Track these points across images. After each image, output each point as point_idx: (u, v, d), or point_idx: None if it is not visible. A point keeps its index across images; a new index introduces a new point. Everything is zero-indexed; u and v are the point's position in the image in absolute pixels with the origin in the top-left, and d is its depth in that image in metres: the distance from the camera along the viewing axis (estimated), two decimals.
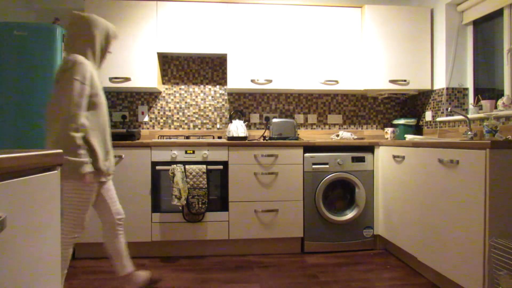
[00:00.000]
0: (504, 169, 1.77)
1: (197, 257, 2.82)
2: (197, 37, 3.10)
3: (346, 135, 3.20)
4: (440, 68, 3.21)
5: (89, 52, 1.89)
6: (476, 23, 3.08)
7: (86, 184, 1.81)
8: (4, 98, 2.61)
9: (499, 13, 2.79)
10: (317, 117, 3.60)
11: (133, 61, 3.05)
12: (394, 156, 2.68)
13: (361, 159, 2.92)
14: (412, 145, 2.44)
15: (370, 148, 3.00)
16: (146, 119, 3.42)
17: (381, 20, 3.23)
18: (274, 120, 3.20)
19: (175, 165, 2.70)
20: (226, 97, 3.50)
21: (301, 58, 3.20)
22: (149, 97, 3.43)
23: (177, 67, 3.46)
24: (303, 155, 2.88)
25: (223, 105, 3.50)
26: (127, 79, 3.05)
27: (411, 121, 3.40)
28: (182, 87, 3.47)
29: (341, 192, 2.99)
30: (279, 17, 3.17)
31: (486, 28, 3.01)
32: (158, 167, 2.75)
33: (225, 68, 3.48)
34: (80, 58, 1.81)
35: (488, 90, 2.99)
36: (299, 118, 3.57)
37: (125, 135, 2.94)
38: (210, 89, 3.49)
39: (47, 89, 2.65)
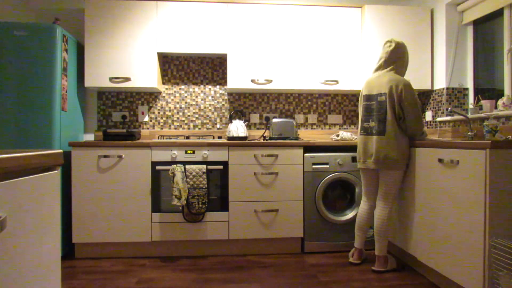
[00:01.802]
0: (504, 169, 1.77)
1: (197, 257, 2.82)
2: (197, 37, 3.10)
3: (346, 135, 3.20)
4: (440, 68, 3.21)
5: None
6: (476, 23, 3.08)
7: None
8: (4, 98, 2.61)
9: (499, 13, 2.79)
10: (317, 117, 3.60)
11: (133, 61, 3.05)
12: None
13: None
14: (412, 145, 2.44)
15: None
16: (146, 119, 3.42)
17: (381, 20, 3.24)
18: (274, 120, 3.20)
19: (175, 165, 2.70)
20: (226, 97, 3.50)
21: (301, 58, 3.20)
22: (149, 97, 3.43)
23: (177, 67, 3.46)
24: (303, 155, 2.88)
25: (223, 105, 3.50)
26: (127, 79, 3.05)
27: None
28: (182, 87, 3.47)
29: (341, 192, 2.99)
30: (279, 17, 3.17)
31: (486, 28, 3.01)
32: (158, 167, 2.75)
33: (225, 68, 3.48)
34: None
35: (488, 90, 2.99)
36: (299, 118, 3.57)
37: (125, 135, 2.94)
38: (210, 89, 3.49)
39: (47, 89, 2.65)
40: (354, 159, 2.91)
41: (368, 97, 2.48)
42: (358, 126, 2.55)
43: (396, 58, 2.45)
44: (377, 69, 2.52)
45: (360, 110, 2.60)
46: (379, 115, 2.40)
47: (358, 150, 2.55)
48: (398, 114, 2.36)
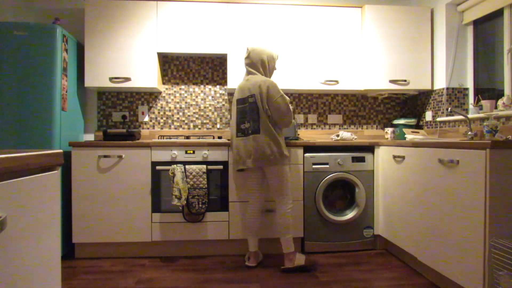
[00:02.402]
0: (504, 169, 1.77)
1: (197, 257, 2.82)
2: (197, 37, 3.10)
3: (346, 135, 3.19)
4: (440, 68, 3.21)
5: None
6: (476, 23, 3.08)
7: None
8: (4, 98, 2.61)
9: (499, 13, 2.79)
10: (317, 117, 3.60)
11: (133, 61, 3.05)
12: (394, 156, 2.68)
13: (361, 159, 2.92)
14: (412, 145, 2.44)
15: (370, 148, 3.00)
16: (146, 119, 3.42)
17: (381, 20, 3.24)
18: None
19: (175, 165, 2.70)
20: (226, 97, 3.50)
21: (301, 58, 3.20)
22: (149, 97, 3.43)
23: (177, 67, 3.46)
24: (303, 155, 2.88)
25: (223, 105, 3.50)
26: (127, 79, 3.05)
27: (411, 121, 3.40)
28: (182, 87, 3.47)
29: (341, 192, 2.99)
30: (279, 17, 3.17)
31: (486, 28, 3.01)
32: (158, 167, 2.75)
33: (225, 68, 3.48)
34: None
35: (488, 90, 2.99)
36: (299, 118, 3.57)
37: (125, 135, 2.94)
38: (210, 89, 3.49)
39: (47, 89, 2.65)
40: (354, 159, 2.91)
41: (241, 101, 2.56)
42: (233, 131, 2.62)
43: (255, 61, 2.56)
44: (246, 75, 2.62)
45: (232, 115, 2.66)
46: (252, 115, 2.48)
47: (238, 152, 2.55)
48: (266, 112, 2.45)
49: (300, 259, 2.52)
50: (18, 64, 2.62)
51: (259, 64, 2.58)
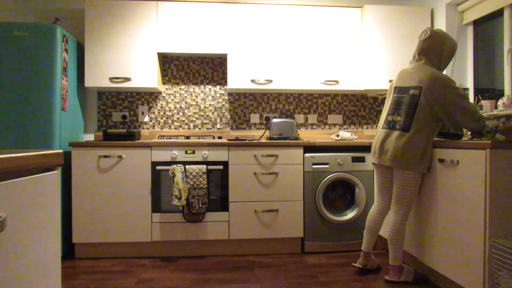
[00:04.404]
0: (504, 169, 1.77)
1: (197, 257, 2.82)
2: (197, 37, 3.10)
3: (346, 135, 3.20)
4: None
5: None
6: (476, 23, 3.08)
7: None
8: (4, 98, 2.61)
9: (499, 13, 2.79)
10: (317, 117, 3.60)
11: (133, 61, 3.05)
12: None
13: (361, 159, 2.92)
14: None
15: (370, 148, 3.00)
16: (146, 119, 3.42)
17: (381, 20, 3.24)
18: (274, 120, 3.20)
19: (175, 165, 2.70)
20: (226, 97, 3.50)
21: (301, 58, 3.20)
22: (149, 97, 3.43)
23: (177, 67, 3.46)
24: (303, 155, 2.88)
25: (223, 105, 3.50)
26: (127, 79, 3.05)
27: None
28: (182, 87, 3.47)
29: (341, 192, 2.99)
30: (279, 17, 3.17)
31: (486, 28, 3.01)
32: (158, 167, 2.75)
33: (225, 68, 3.48)
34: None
35: (488, 90, 2.98)
36: (299, 118, 3.57)
37: (125, 135, 2.94)
38: (210, 89, 3.49)
39: (47, 89, 2.65)
40: (354, 159, 2.91)
41: (401, 89, 2.25)
42: (381, 118, 2.37)
43: (433, 49, 2.20)
44: (412, 61, 2.31)
45: (386, 102, 2.39)
46: (408, 110, 2.15)
47: (375, 143, 2.31)
48: (436, 116, 2.14)
49: (408, 275, 2.29)
50: (18, 64, 2.62)
51: (436, 54, 2.20)
